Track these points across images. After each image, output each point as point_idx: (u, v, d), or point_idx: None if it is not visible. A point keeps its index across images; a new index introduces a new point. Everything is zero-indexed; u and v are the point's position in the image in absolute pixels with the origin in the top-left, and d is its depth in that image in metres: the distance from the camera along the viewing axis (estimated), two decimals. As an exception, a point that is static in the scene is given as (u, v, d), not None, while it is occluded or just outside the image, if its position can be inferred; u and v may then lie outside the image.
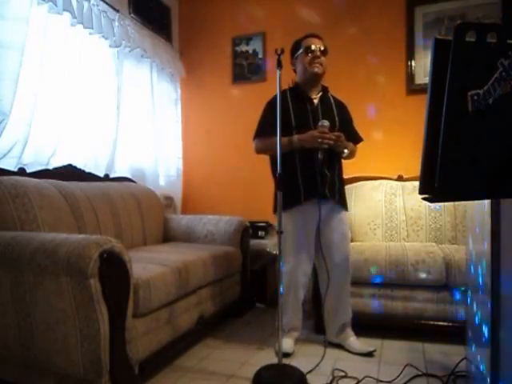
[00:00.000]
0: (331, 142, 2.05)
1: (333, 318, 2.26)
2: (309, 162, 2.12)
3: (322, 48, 2.18)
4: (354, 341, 2.21)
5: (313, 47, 2.16)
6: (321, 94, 2.24)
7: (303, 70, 2.19)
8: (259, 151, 2.25)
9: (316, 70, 2.16)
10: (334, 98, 2.30)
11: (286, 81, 2.29)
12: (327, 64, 2.21)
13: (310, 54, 2.16)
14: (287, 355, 2.11)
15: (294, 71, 2.29)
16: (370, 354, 2.13)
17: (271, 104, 2.23)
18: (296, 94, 2.21)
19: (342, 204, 2.25)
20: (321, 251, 2.18)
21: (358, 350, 2.17)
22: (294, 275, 2.18)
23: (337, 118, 2.20)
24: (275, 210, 2.22)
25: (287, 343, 2.17)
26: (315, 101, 2.21)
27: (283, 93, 2.22)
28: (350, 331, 2.26)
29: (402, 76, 3.19)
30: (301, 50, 2.19)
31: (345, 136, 2.14)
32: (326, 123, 2.09)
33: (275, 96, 2.23)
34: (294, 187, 2.14)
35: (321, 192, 2.12)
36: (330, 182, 2.16)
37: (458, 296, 2.25)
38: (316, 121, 2.13)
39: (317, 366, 1.99)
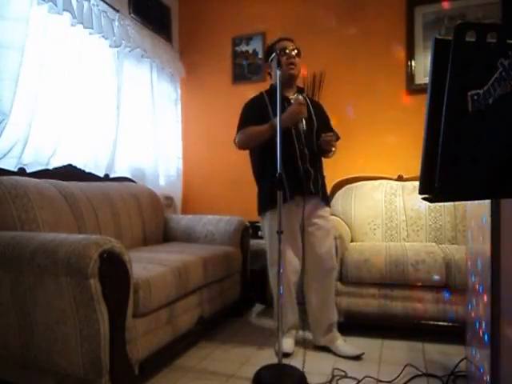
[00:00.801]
0: (306, 112, 2.10)
1: (319, 318, 2.22)
2: (292, 160, 2.12)
3: (296, 50, 2.19)
4: (341, 343, 2.17)
5: (287, 49, 2.17)
6: (296, 95, 2.25)
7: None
8: (243, 144, 2.20)
9: (292, 71, 2.18)
10: (309, 98, 2.32)
11: (272, 81, 2.30)
12: (301, 66, 2.23)
13: (285, 56, 2.17)
14: (287, 355, 2.10)
15: (269, 74, 2.31)
16: (358, 358, 2.09)
17: (250, 103, 2.26)
18: (273, 96, 2.20)
19: (326, 201, 2.26)
20: (302, 250, 2.20)
21: (346, 353, 2.12)
22: (285, 275, 2.14)
23: (314, 118, 2.23)
24: (260, 212, 2.25)
25: (287, 343, 2.16)
26: (292, 101, 2.22)
27: (260, 95, 2.28)
28: (336, 333, 2.22)
29: (402, 76, 3.19)
30: (274, 54, 2.18)
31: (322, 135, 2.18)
32: (300, 97, 2.15)
33: (253, 98, 2.29)
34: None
35: (306, 189, 2.13)
36: (314, 179, 2.17)
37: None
38: None
39: (317, 366, 2.00)
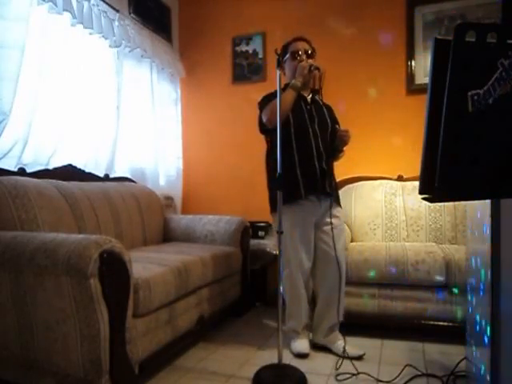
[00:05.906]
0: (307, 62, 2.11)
1: (322, 317, 2.22)
2: (309, 159, 2.13)
3: (310, 51, 2.19)
4: (342, 344, 2.15)
5: (299, 52, 2.17)
6: (311, 95, 2.26)
7: (292, 74, 2.20)
8: (269, 116, 2.11)
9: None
10: (321, 100, 2.32)
11: (285, 81, 2.29)
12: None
13: (297, 58, 2.18)
14: (305, 356, 2.11)
15: (284, 74, 2.29)
16: (359, 358, 2.08)
17: (269, 94, 2.24)
18: None
19: (338, 201, 2.28)
20: (315, 250, 2.20)
21: (347, 353, 2.08)
22: (294, 278, 2.16)
23: (328, 120, 2.25)
24: (273, 209, 2.21)
25: (303, 344, 2.17)
26: (309, 101, 2.24)
27: (275, 92, 2.24)
28: (338, 334, 2.21)
29: (402, 76, 3.19)
30: (288, 55, 2.21)
31: (334, 137, 2.19)
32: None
33: (270, 93, 2.24)
34: (293, 181, 2.13)
35: (321, 188, 2.14)
36: (328, 178, 2.17)
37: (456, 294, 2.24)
38: (311, 120, 2.17)
39: (317, 366, 2.00)
